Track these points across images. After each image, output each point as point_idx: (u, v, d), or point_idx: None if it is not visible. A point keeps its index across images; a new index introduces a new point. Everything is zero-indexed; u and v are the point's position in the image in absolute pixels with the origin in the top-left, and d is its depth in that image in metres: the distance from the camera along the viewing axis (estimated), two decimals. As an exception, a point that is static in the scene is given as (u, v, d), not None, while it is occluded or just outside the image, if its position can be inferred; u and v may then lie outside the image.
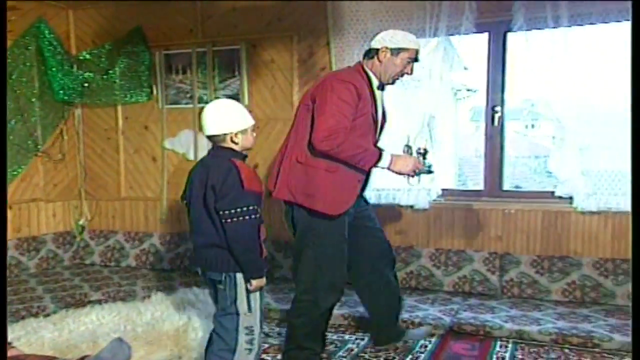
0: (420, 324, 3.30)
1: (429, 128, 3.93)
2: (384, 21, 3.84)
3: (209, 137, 2.30)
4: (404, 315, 3.35)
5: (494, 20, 3.77)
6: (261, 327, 2.33)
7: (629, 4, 3.36)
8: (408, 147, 2.77)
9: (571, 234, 3.81)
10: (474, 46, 4.02)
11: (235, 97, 4.33)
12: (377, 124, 2.74)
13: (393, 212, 4.18)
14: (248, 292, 2.24)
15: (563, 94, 3.61)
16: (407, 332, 3.17)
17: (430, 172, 2.80)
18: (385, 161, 2.61)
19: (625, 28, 3.47)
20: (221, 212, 2.16)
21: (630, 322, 3.22)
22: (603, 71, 3.62)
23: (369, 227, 2.91)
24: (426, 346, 3.10)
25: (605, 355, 2.92)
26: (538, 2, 3.47)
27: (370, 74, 2.70)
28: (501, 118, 3.89)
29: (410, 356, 2.99)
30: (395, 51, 2.65)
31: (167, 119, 4.75)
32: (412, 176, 2.73)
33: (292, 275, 2.85)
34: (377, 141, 2.80)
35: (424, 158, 2.76)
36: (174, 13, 4.59)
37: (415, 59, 2.69)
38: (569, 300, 3.70)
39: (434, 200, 4.08)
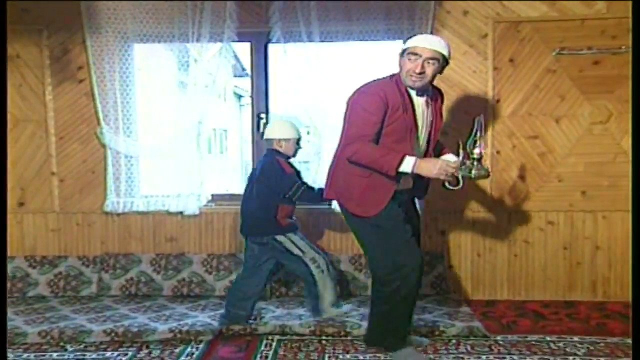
0: (188, 332, 3.26)
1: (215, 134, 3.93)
2: (144, 22, 3.72)
3: (266, 140, 3.45)
4: (172, 324, 3.31)
5: (256, 30, 3.92)
6: (318, 253, 3.42)
7: (370, 26, 3.79)
8: (464, 150, 2.70)
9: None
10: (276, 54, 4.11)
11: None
12: (417, 129, 2.81)
13: (163, 219, 4.08)
14: (291, 241, 3.36)
15: (320, 105, 3.89)
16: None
17: (487, 175, 2.76)
18: (407, 165, 2.66)
19: (370, 46, 3.90)
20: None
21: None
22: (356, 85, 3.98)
23: None
24: (192, 354, 3.07)
25: (356, 342, 3.20)
26: (293, 18, 3.73)
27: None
28: (265, 125, 4.05)
29: (174, 367, 2.94)
30: (401, 53, 2.79)
31: None
32: (450, 181, 2.71)
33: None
34: (426, 146, 2.91)
35: (479, 162, 2.69)
36: None
37: (416, 54, 2.69)
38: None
39: (205, 206, 4.08)
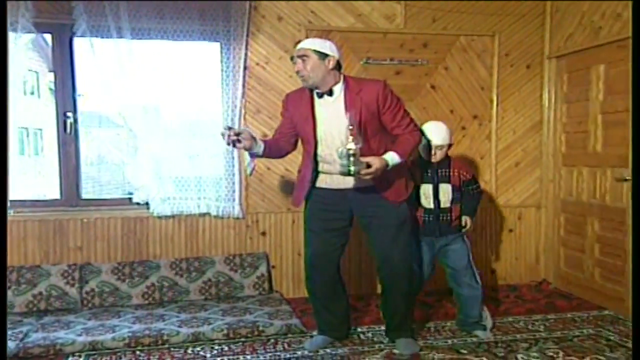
0: None
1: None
2: None
3: None
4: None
5: (57, 22, 3.63)
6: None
7: (185, 25, 3.72)
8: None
9: (150, 238, 3.97)
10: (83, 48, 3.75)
11: None
12: (314, 130, 2.90)
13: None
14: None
15: (137, 104, 3.73)
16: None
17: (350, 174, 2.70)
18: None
19: (186, 46, 3.84)
20: None
21: (198, 314, 3.57)
22: (177, 85, 3.87)
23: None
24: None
25: (173, 349, 3.12)
26: (100, 11, 3.51)
27: None
28: (74, 124, 3.77)
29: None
30: None
31: None
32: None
33: None
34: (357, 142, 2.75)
35: (355, 157, 2.64)
36: None
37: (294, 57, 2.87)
38: (149, 303, 3.84)
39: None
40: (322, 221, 3.04)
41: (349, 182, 2.92)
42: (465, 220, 3.30)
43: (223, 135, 2.80)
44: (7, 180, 3.45)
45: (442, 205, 3.25)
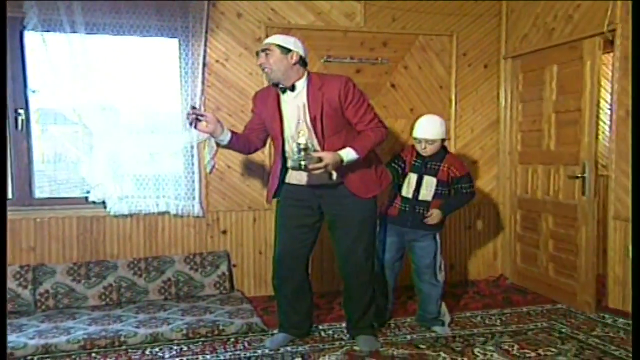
0: None
1: None
2: None
3: None
4: None
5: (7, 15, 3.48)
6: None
7: (142, 21, 3.66)
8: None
9: (107, 237, 3.89)
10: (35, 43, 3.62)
11: None
12: (281, 125, 2.92)
13: None
14: None
15: (92, 101, 3.64)
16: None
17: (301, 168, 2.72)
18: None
19: (145, 43, 3.77)
20: None
21: (157, 315, 3.51)
22: (135, 82, 3.79)
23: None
24: None
25: (130, 350, 3.06)
26: (52, 5, 3.40)
27: None
28: (25, 121, 3.65)
29: None
30: None
31: None
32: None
33: None
34: (322, 137, 2.86)
35: (306, 152, 2.66)
36: None
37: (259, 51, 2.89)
38: (106, 304, 3.75)
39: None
40: (293, 217, 3.06)
41: (319, 179, 2.92)
42: (432, 212, 3.26)
43: (188, 115, 2.84)
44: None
45: (420, 198, 3.27)
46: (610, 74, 3.66)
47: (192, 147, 3.90)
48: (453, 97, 4.39)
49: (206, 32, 3.77)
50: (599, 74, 3.63)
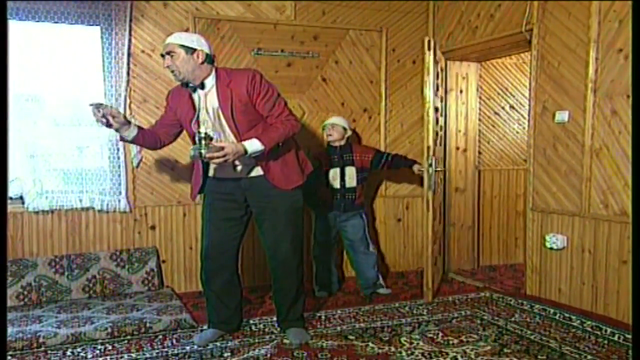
0: None
1: None
2: None
3: None
4: None
5: None
6: None
7: (60, 7, 3.49)
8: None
9: (25, 234, 3.70)
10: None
11: None
12: (191, 121, 2.88)
13: None
14: None
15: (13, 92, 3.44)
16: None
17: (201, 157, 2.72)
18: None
19: (63, 29, 3.60)
20: None
21: (79, 314, 3.39)
22: (54, 71, 3.62)
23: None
24: None
25: (50, 351, 2.94)
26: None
27: None
28: None
29: None
30: None
31: None
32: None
33: None
34: (235, 131, 2.86)
35: (207, 141, 2.67)
36: None
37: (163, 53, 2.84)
38: (24, 304, 3.58)
39: None
40: (219, 210, 3.03)
41: (242, 171, 2.92)
42: (414, 166, 4.04)
43: (94, 113, 2.75)
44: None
45: (347, 185, 3.91)
46: (529, 71, 3.84)
47: (118, 141, 3.77)
48: (383, 92, 4.47)
49: (130, 21, 3.64)
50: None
